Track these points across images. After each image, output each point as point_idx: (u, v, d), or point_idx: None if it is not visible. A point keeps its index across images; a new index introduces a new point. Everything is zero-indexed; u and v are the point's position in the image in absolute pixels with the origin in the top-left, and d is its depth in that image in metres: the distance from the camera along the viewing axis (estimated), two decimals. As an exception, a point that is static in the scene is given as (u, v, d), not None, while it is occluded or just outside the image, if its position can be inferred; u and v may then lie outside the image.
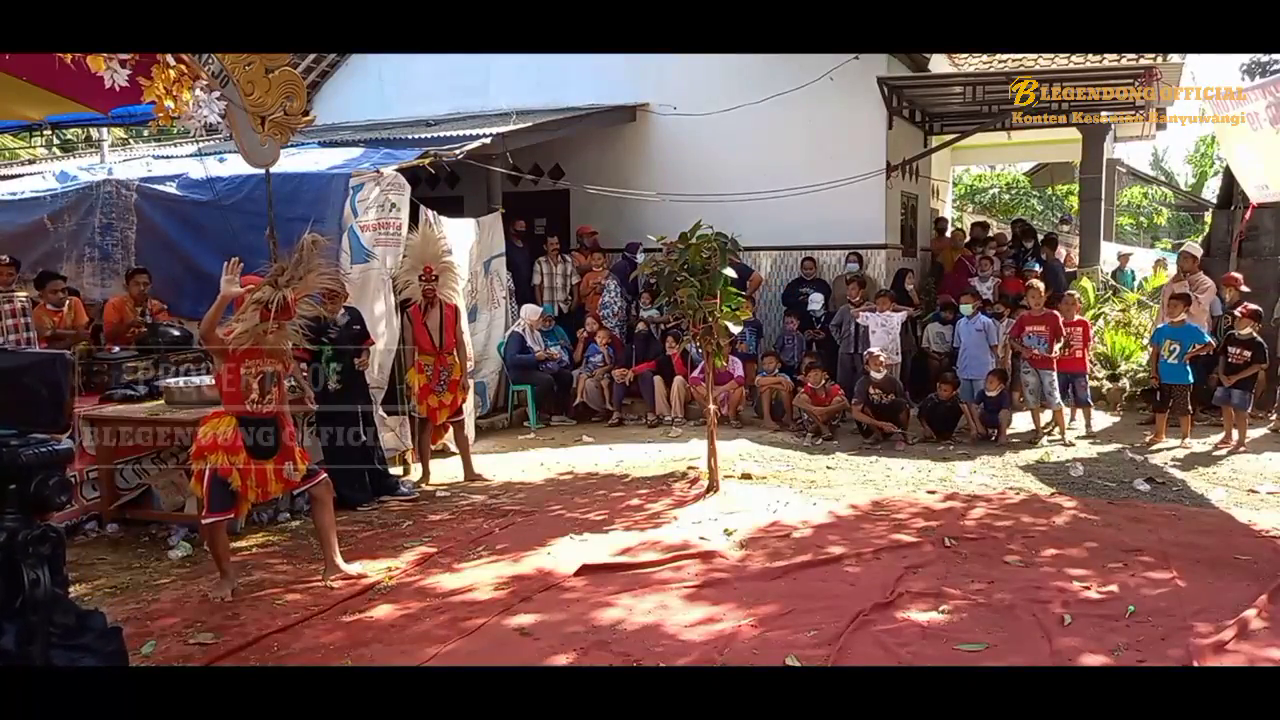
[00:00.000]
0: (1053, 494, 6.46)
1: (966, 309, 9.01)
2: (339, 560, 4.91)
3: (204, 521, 4.69)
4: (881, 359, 8.46)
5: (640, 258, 10.11)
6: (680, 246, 6.44)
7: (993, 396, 8.34)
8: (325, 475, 4.91)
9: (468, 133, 9.17)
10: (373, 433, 6.57)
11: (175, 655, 3.95)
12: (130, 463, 5.94)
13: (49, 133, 11.82)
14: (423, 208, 7.67)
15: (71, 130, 12.06)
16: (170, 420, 5.55)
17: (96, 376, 6.27)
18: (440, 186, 9.87)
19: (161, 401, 5.82)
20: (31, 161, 12.62)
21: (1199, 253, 9.47)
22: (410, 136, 9.30)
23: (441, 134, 9.39)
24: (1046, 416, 8.48)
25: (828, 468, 7.35)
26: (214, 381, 4.93)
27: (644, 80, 10.99)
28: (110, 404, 5.88)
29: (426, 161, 8.14)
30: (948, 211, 15.69)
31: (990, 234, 12.70)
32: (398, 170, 7.72)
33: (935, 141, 12.77)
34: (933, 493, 6.51)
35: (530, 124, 9.84)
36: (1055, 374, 8.27)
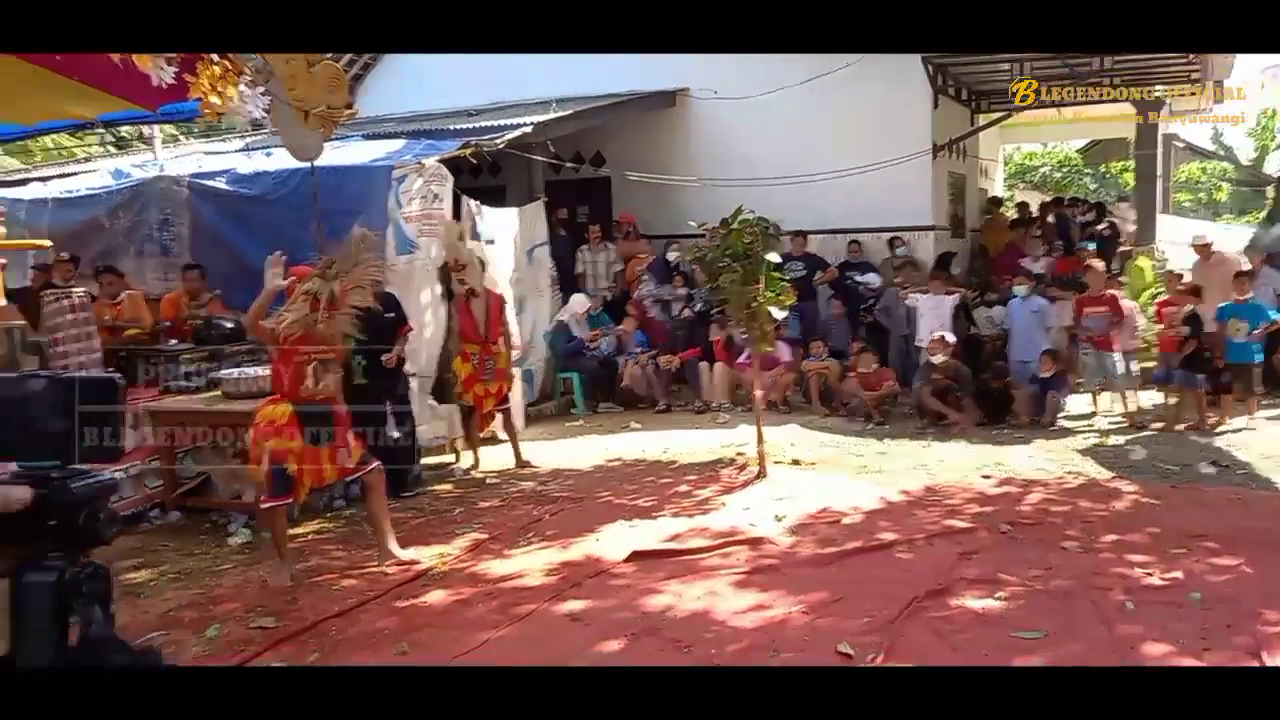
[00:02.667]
0: (1113, 478, 6.31)
1: (1021, 290, 8.83)
2: (393, 546, 4.98)
3: (263, 506, 4.78)
4: (949, 341, 8.29)
5: (673, 255, 10.13)
6: (722, 232, 6.39)
7: (1046, 378, 8.18)
8: (378, 462, 4.98)
9: (508, 122, 9.19)
10: (407, 430, 6.36)
11: (237, 639, 4.04)
12: (189, 452, 6.07)
13: (102, 131, 12.10)
14: (465, 198, 7.71)
15: (125, 128, 12.31)
16: (226, 411, 5.66)
17: (155, 369, 6.41)
18: (483, 176, 9.91)
19: (218, 393, 5.93)
20: (88, 159, 12.90)
21: (1209, 240, 9.31)
22: (451, 127, 9.34)
23: (482, 124, 9.42)
24: (1105, 400, 8.30)
25: (879, 453, 7.26)
26: (268, 372, 5.01)
27: (684, 65, 10.87)
28: (169, 396, 6.01)
29: (468, 152, 8.18)
30: (998, 191, 15.39)
31: (1034, 214, 12.57)
32: (439, 161, 7.76)
33: (983, 119, 12.52)
34: (987, 478, 6.40)
35: (570, 112, 9.83)
36: (1119, 355, 8.07)
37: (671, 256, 10.15)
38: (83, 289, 6.76)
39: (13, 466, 0.92)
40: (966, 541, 5.01)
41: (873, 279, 10.09)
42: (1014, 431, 7.94)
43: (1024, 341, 8.62)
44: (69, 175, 10.59)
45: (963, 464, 6.81)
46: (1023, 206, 13.39)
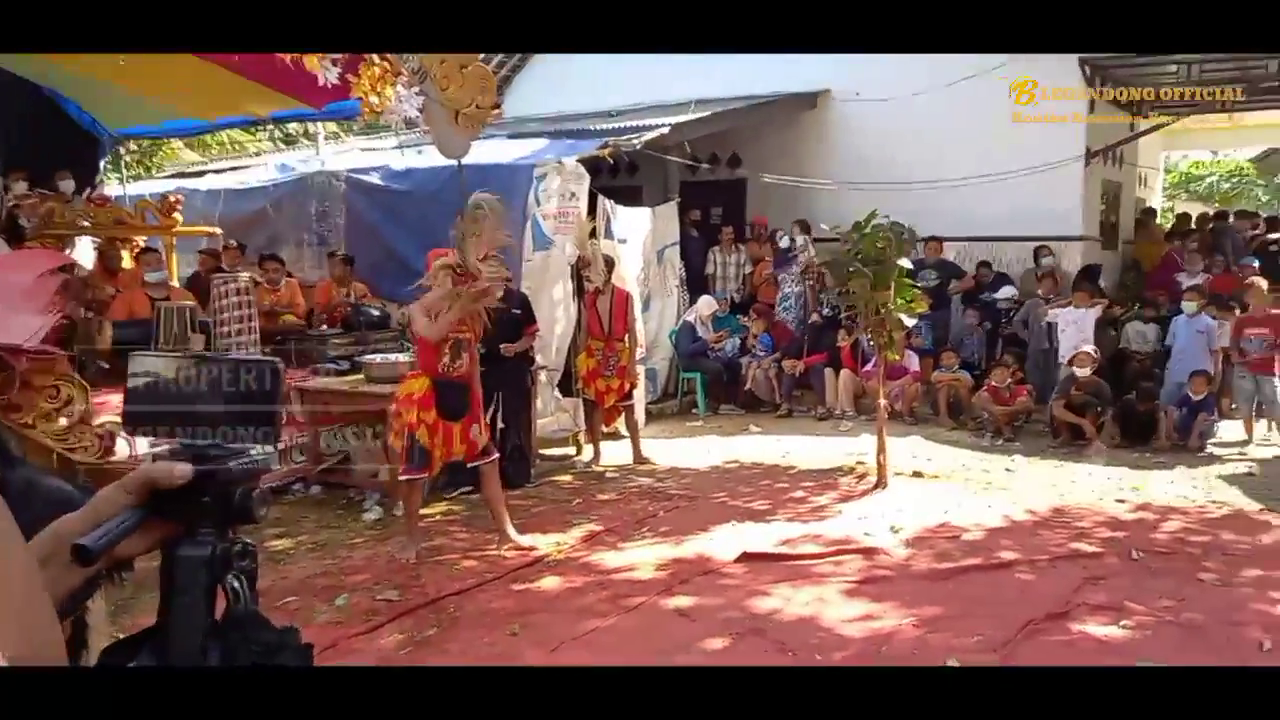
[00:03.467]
0: (1261, 510, 5.90)
1: (1190, 306, 8.32)
2: (511, 531, 5.18)
3: (402, 478, 5.03)
4: (1096, 355, 7.93)
5: (784, 241, 10.26)
6: (854, 236, 6.33)
7: (1197, 400, 7.70)
8: (497, 454, 5.20)
9: (647, 123, 9.34)
10: (516, 421, 6.39)
11: (364, 609, 4.31)
12: (333, 431, 6.48)
13: (272, 127, 12.99)
14: (600, 197, 7.89)
15: (292, 125, 13.16)
16: (368, 393, 6.02)
17: (306, 351, 6.89)
18: (621, 176, 10.10)
19: (362, 376, 6.31)
20: (258, 154, 13.87)
21: None
22: (592, 127, 9.56)
23: (622, 124, 9.60)
24: (1261, 428, 7.75)
25: (1007, 470, 7.03)
26: (407, 358, 5.30)
27: (826, 66, 10.73)
28: (317, 377, 6.44)
29: (606, 152, 8.37)
30: (1156, 201, 14.51)
31: (1192, 225, 11.79)
32: (578, 161, 7.98)
33: (1144, 125, 11.82)
34: (1122, 502, 6.10)
35: (708, 113, 9.89)
36: (1279, 380, 7.53)
37: (784, 243, 10.20)
38: (247, 275, 7.32)
39: (174, 443, 0.95)
40: (1093, 566, 4.81)
41: (1008, 291, 9.73)
42: (1156, 455, 7.51)
43: (1185, 362, 8.09)
44: (241, 169, 11.43)
45: (1096, 486, 6.51)
46: (1182, 218, 12.58)
